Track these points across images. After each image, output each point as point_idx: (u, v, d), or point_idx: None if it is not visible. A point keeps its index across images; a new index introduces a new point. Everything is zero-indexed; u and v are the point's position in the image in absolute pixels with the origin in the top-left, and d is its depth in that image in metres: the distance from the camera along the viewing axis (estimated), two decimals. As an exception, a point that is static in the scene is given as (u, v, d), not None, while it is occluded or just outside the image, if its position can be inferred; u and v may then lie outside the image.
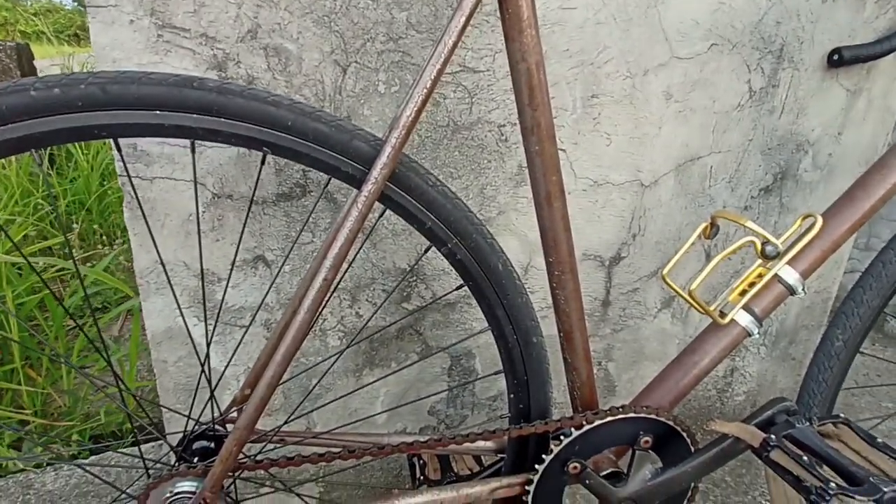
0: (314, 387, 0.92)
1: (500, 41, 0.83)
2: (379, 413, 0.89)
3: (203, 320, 0.81)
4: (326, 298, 0.53)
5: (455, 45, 0.52)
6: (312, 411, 0.94)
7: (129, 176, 0.57)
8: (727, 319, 0.67)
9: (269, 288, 0.83)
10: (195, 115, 0.48)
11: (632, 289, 1.10)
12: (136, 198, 0.57)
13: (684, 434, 0.67)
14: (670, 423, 0.67)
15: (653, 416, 0.66)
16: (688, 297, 0.69)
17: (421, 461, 0.81)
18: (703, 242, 1.12)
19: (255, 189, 0.76)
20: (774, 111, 1.06)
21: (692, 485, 0.70)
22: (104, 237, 2.34)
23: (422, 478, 0.78)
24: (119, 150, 0.48)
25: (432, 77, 0.51)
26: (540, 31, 0.85)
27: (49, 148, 2.58)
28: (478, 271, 0.61)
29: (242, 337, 0.84)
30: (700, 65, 0.97)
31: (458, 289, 0.65)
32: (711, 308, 0.67)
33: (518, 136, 0.89)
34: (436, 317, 0.96)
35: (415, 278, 0.92)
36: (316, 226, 0.82)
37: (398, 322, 0.94)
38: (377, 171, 0.51)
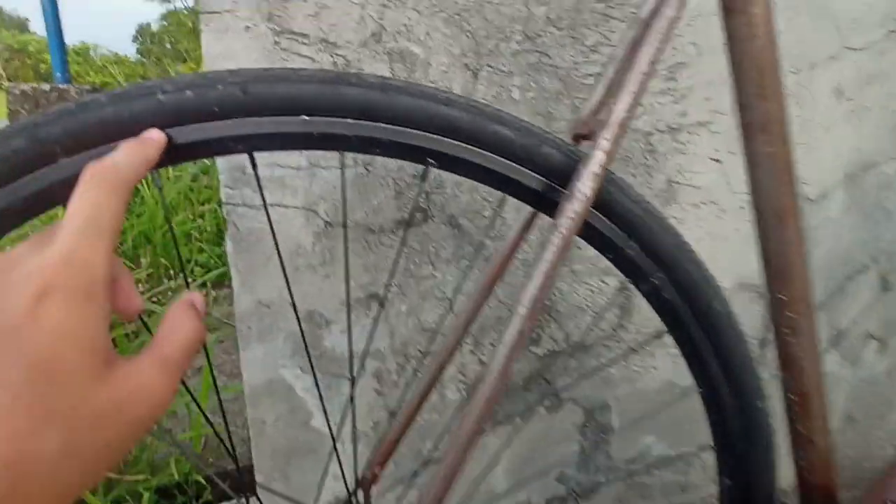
0: (433, 450, 0.78)
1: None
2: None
3: (309, 371, 0.69)
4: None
5: (676, 21, 0.39)
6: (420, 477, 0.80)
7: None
8: None
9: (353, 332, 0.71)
10: (351, 121, 0.37)
11: (790, 325, 0.92)
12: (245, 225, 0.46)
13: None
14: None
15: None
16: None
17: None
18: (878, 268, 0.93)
19: (410, 214, 0.65)
20: (964, 107, 0.88)
21: None
22: (170, 271, 2.32)
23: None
24: (255, 167, 0.38)
25: (650, 58, 0.38)
26: (692, 23, 0.72)
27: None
28: (688, 314, 0.46)
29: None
30: (876, 55, 0.81)
31: (658, 336, 0.51)
32: None
33: (668, 146, 0.75)
34: (569, 363, 0.82)
35: (546, 317, 0.78)
36: (437, 257, 0.70)
37: (527, 370, 0.79)
38: (584, 186, 0.38)
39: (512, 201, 0.52)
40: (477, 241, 0.70)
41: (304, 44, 0.57)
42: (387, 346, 0.72)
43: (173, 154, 0.34)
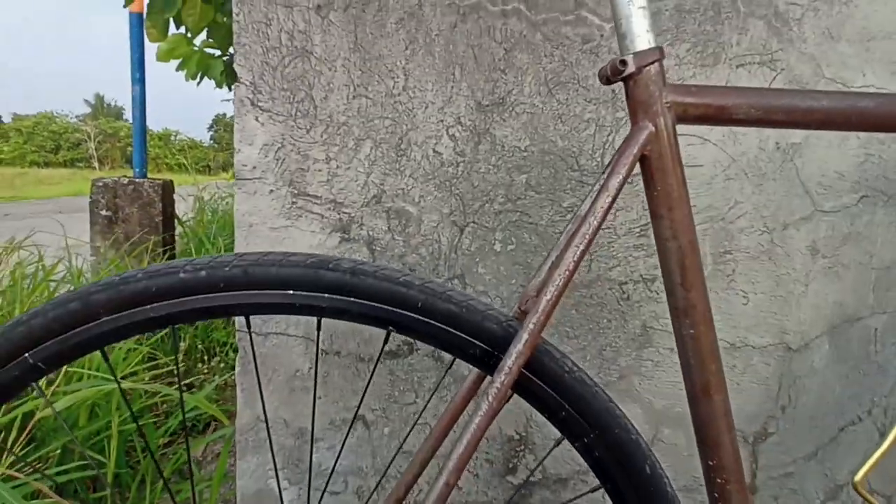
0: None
1: (621, 197, 0.79)
2: None
3: (298, 483, 0.75)
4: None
5: (599, 227, 0.47)
6: None
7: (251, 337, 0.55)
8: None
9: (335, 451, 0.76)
10: (326, 295, 0.46)
11: (784, 473, 0.91)
12: (254, 355, 0.55)
13: None
14: None
15: None
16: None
17: None
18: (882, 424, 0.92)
19: (376, 362, 0.73)
20: (947, 267, 0.90)
21: None
22: (205, 356, 2.44)
23: None
24: (249, 325, 0.48)
25: (575, 259, 0.46)
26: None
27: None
28: (619, 474, 0.50)
29: (333, 506, 0.76)
30: (850, 218, 0.87)
31: (592, 491, 0.55)
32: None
33: (642, 294, 0.81)
34: (545, 494, 0.83)
35: (522, 447, 0.82)
36: (420, 385, 0.77)
37: (505, 499, 0.82)
38: (511, 360, 0.45)
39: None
40: (459, 374, 0.77)
41: (317, 204, 0.69)
42: (369, 465, 0.77)
43: (187, 316, 0.45)
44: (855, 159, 0.85)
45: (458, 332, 0.48)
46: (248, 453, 0.73)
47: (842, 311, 0.89)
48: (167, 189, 3.43)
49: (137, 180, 3.19)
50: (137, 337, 1.85)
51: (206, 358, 2.52)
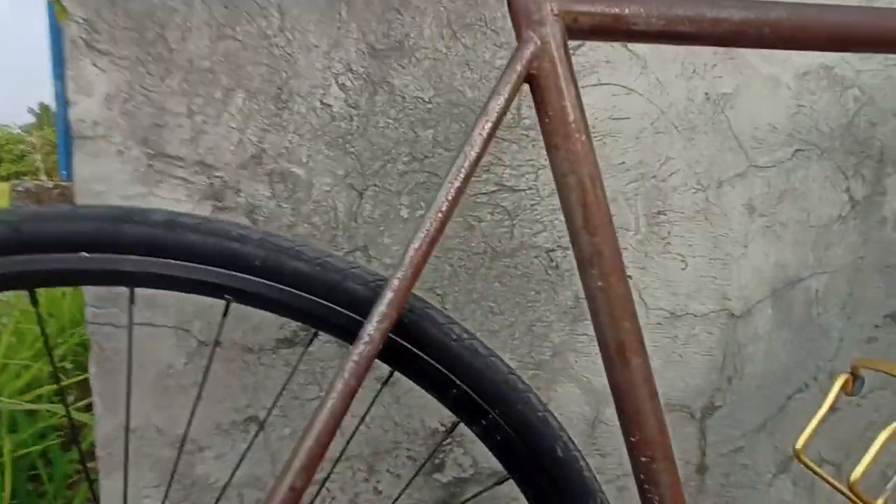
0: None
1: (544, 156, 0.71)
2: None
3: (182, 502, 0.63)
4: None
5: (479, 158, 0.39)
6: None
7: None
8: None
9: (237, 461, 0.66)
10: (134, 257, 0.36)
11: (734, 448, 0.85)
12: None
13: None
14: None
15: None
16: (848, 493, 0.46)
17: None
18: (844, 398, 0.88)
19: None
20: (886, 222, 0.87)
21: None
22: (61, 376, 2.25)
23: None
24: (35, 302, 0.37)
25: (449, 198, 0.38)
26: (599, 141, 0.74)
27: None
28: (527, 458, 0.42)
29: (226, 524, 0.65)
30: (785, 173, 0.82)
31: (500, 483, 0.46)
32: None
33: (572, 262, 0.74)
34: (476, 489, 0.74)
35: (450, 442, 0.73)
36: (324, 377, 0.67)
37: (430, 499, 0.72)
38: (373, 324, 0.36)
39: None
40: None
41: (180, 166, 0.58)
42: (268, 473, 0.67)
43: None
44: (787, 110, 0.80)
45: (313, 297, 0.38)
46: (113, 470, 0.61)
47: (783, 273, 0.83)
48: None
49: (64, 184, 2.97)
50: (34, 353, 1.67)
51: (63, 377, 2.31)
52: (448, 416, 0.72)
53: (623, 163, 0.74)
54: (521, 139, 0.70)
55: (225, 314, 0.38)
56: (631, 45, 0.73)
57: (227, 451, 0.65)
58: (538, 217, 0.72)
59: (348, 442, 0.53)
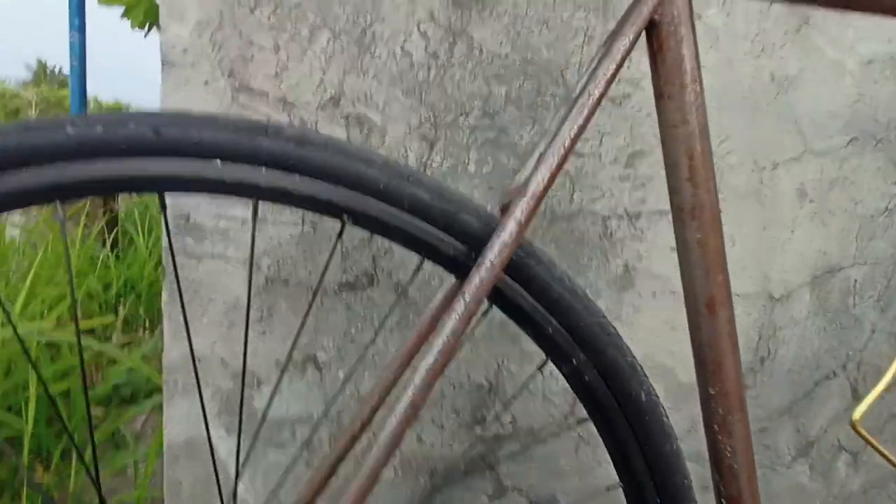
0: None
1: (607, 120, 0.72)
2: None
3: (233, 432, 0.65)
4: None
5: (601, 98, 0.40)
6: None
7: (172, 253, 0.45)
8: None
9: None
10: (265, 170, 0.37)
11: (759, 428, 0.87)
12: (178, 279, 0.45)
13: None
14: None
15: None
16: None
17: None
18: (848, 376, 0.90)
19: (325, 268, 0.64)
20: (929, 218, 0.88)
21: None
22: (148, 322, 2.27)
23: None
24: (164, 207, 0.38)
25: (572, 135, 0.38)
26: (653, 112, 0.74)
27: (113, 230, 2.62)
28: (611, 401, 0.43)
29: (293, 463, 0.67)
30: (838, 161, 0.83)
31: (581, 423, 0.48)
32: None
33: (626, 231, 0.75)
34: (513, 448, 0.76)
35: (493, 396, 0.74)
36: (381, 324, 0.68)
37: (470, 451, 0.74)
38: (493, 255, 0.37)
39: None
40: (423, 310, 0.68)
41: (262, 102, 0.59)
42: (320, 413, 0.68)
43: (77, 188, 0.34)
44: (847, 98, 0.81)
45: (428, 225, 0.39)
46: (176, 396, 0.63)
47: (824, 261, 0.85)
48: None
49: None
50: (65, 283, 1.68)
51: (148, 325, 2.35)
52: (494, 372, 0.74)
53: (685, 137, 0.75)
54: (589, 105, 0.71)
55: (340, 235, 0.39)
56: (705, 19, 0.73)
57: (283, 387, 0.67)
58: (598, 183, 0.73)
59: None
